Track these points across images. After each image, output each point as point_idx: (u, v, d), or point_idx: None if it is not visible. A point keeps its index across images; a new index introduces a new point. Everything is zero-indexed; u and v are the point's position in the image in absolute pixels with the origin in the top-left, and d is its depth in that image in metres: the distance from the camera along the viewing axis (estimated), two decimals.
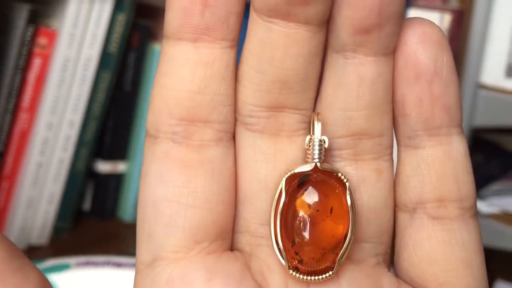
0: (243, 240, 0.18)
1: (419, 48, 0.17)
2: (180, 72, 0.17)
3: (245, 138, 0.18)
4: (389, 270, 0.19)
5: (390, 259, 0.19)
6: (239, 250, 0.18)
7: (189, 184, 0.17)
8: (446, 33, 0.68)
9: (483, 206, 0.71)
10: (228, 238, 0.18)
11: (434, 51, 0.17)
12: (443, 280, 0.18)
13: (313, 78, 0.17)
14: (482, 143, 0.81)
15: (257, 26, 0.17)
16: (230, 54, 0.17)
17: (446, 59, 0.17)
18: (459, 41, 0.70)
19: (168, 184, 0.17)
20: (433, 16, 0.67)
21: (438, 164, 0.18)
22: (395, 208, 0.18)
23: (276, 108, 0.17)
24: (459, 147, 0.18)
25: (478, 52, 0.70)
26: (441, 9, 0.69)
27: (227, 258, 0.17)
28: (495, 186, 0.76)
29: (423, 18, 0.18)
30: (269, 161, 0.18)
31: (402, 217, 0.18)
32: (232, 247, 0.18)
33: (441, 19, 0.68)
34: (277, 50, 0.16)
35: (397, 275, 0.18)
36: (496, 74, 0.71)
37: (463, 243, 0.18)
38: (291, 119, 0.17)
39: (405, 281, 0.18)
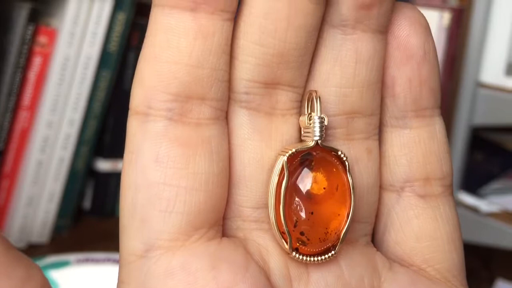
0: (234, 226, 0.17)
1: (411, 30, 0.17)
2: (178, 43, 0.15)
3: (240, 117, 0.17)
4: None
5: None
6: (231, 237, 0.17)
7: (188, 165, 0.16)
8: (445, 32, 0.68)
9: (483, 205, 0.71)
10: (221, 224, 0.17)
11: (423, 35, 0.17)
12: (429, 255, 0.18)
13: (310, 54, 0.17)
14: (482, 142, 0.81)
15: None
16: (229, 27, 0.16)
17: (431, 43, 0.18)
18: (459, 40, 0.70)
19: (165, 165, 0.15)
20: (433, 15, 0.67)
21: (424, 143, 0.18)
22: (380, 188, 0.19)
23: (272, 84, 0.17)
24: (441, 127, 0.18)
25: (478, 50, 0.70)
26: (441, 7, 0.69)
27: (228, 244, 0.16)
28: (495, 185, 0.76)
29: (410, 4, 0.18)
30: (266, 140, 0.17)
31: (388, 197, 0.18)
32: (222, 235, 0.17)
33: (441, 18, 0.68)
34: (280, 21, 0.16)
35: (382, 254, 0.19)
36: (496, 73, 0.71)
37: (446, 219, 0.18)
38: (285, 96, 0.17)
39: (391, 260, 0.18)
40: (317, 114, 0.17)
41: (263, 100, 0.17)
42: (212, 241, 0.16)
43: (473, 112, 0.71)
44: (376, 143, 0.18)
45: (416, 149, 0.18)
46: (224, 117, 0.17)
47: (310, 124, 0.17)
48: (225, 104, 0.16)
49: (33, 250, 0.56)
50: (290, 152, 0.17)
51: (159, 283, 0.15)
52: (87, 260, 0.43)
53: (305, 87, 0.17)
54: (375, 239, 0.19)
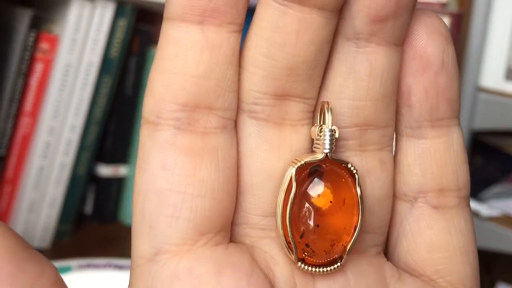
0: (242, 233, 0.17)
1: (429, 39, 0.17)
2: (185, 55, 0.16)
3: (248, 127, 0.17)
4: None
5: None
6: (238, 243, 0.17)
7: (194, 173, 0.16)
8: None
9: (484, 209, 0.71)
10: (229, 230, 0.17)
11: (442, 44, 0.17)
12: (440, 267, 0.18)
13: (321, 67, 0.17)
14: (482, 146, 0.81)
15: (270, 10, 0.16)
16: (236, 39, 0.16)
17: (451, 52, 0.17)
18: (458, 45, 0.70)
19: (172, 173, 0.16)
20: None
21: (439, 154, 0.18)
22: (394, 198, 0.18)
23: (281, 96, 0.17)
24: (458, 138, 0.18)
25: (477, 55, 0.71)
26: (440, 12, 0.69)
27: (234, 250, 0.17)
28: (495, 189, 0.76)
29: (429, 10, 0.18)
30: (274, 150, 0.17)
31: (402, 206, 0.18)
32: (230, 240, 0.17)
33: None
34: (289, 35, 0.16)
35: (392, 264, 0.18)
36: (496, 77, 0.71)
37: (460, 231, 0.18)
38: (296, 108, 0.17)
39: (402, 270, 0.18)
40: (328, 127, 0.17)
41: (272, 111, 0.17)
42: (218, 246, 0.16)
43: (473, 117, 0.71)
44: (391, 154, 0.18)
45: (430, 160, 0.18)
46: (233, 126, 0.17)
47: (320, 136, 0.17)
48: (233, 113, 0.17)
49: None
50: (299, 163, 0.17)
51: (165, 286, 0.16)
52: (88, 266, 0.43)
53: (318, 98, 0.17)
54: (388, 248, 0.19)
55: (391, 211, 0.18)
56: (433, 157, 0.18)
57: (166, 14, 0.16)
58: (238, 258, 0.16)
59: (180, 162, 0.16)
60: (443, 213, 0.18)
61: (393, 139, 0.18)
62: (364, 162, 0.18)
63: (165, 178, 0.16)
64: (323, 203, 0.17)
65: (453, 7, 0.72)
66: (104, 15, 0.55)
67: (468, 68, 0.71)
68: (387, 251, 0.19)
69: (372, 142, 0.18)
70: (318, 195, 0.17)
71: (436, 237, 0.18)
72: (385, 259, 0.18)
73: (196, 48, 0.16)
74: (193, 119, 0.16)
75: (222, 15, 0.16)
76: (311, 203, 0.17)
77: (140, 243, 0.16)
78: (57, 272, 0.16)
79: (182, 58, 0.16)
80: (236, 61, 0.16)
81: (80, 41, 0.54)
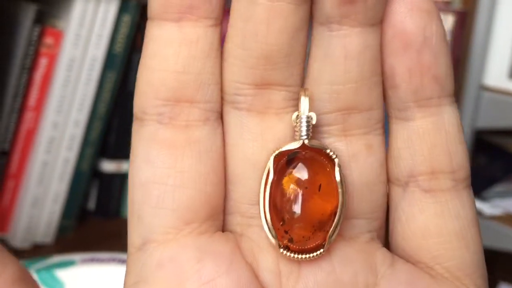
0: (234, 221, 0.18)
1: (407, 17, 0.17)
2: (165, 52, 0.17)
3: (232, 117, 0.17)
4: (384, 246, 0.18)
5: (385, 234, 0.19)
6: (231, 232, 0.18)
7: (175, 165, 0.17)
8: (448, 35, 0.69)
9: (486, 208, 0.71)
10: (219, 219, 0.17)
11: (423, 20, 0.17)
12: (436, 253, 0.17)
13: (299, 53, 0.17)
14: (485, 145, 0.81)
15: (240, 1, 0.16)
16: (214, 33, 0.17)
17: (435, 27, 0.17)
18: (462, 43, 0.70)
19: (155, 165, 0.17)
20: None
21: (429, 135, 0.17)
22: (388, 182, 0.18)
23: (262, 85, 0.17)
24: (451, 117, 0.17)
25: (481, 53, 0.71)
26: (444, 10, 0.69)
27: (218, 238, 0.17)
28: (498, 188, 0.76)
29: None
30: (257, 139, 0.17)
31: (395, 191, 0.18)
32: (223, 229, 0.18)
33: (444, 21, 0.68)
34: (260, 24, 0.16)
35: (391, 250, 0.18)
36: (499, 76, 0.71)
37: (456, 215, 0.17)
38: (278, 96, 0.17)
39: (400, 256, 0.18)
40: (304, 113, 0.17)
41: (254, 101, 0.17)
42: (203, 235, 0.17)
43: (476, 115, 0.71)
44: (379, 137, 0.18)
45: (420, 142, 0.17)
46: (216, 117, 0.17)
47: (297, 123, 0.17)
48: (215, 105, 0.17)
49: (38, 250, 0.56)
50: (277, 152, 0.17)
51: (151, 273, 0.17)
52: (92, 260, 0.43)
53: (302, 85, 0.17)
54: (389, 234, 0.19)
55: (386, 196, 0.18)
56: (422, 139, 0.17)
57: (149, 14, 0.17)
58: (220, 246, 0.17)
59: (162, 155, 0.17)
60: (436, 196, 0.17)
61: (382, 122, 0.18)
62: (349, 146, 0.17)
63: (149, 170, 0.17)
64: (298, 190, 0.17)
65: (457, 5, 0.72)
66: (109, 10, 0.55)
67: (472, 67, 0.71)
68: (387, 237, 0.19)
69: (357, 126, 0.17)
70: (293, 182, 0.17)
71: (429, 221, 0.17)
72: (380, 245, 0.18)
73: (174, 44, 0.16)
74: (175, 113, 0.17)
75: (197, 10, 0.16)
76: (287, 190, 0.17)
77: (132, 233, 0.17)
78: (21, 270, 0.17)
79: (161, 55, 0.17)
80: (215, 54, 0.17)
81: (85, 36, 0.54)
